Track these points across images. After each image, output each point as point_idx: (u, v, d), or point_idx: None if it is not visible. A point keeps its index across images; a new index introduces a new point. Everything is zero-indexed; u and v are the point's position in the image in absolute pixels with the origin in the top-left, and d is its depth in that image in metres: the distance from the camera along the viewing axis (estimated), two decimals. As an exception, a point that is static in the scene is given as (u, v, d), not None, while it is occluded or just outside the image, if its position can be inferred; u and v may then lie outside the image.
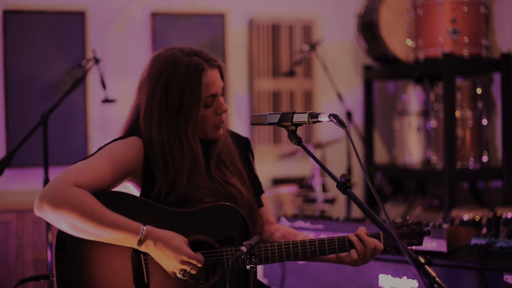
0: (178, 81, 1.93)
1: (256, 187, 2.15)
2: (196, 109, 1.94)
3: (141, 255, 1.86)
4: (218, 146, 2.04)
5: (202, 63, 1.95)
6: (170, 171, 1.94)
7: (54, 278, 1.84)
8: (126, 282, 1.85)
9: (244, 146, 2.17)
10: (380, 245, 1.97)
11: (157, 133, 1.95)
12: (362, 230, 2.00)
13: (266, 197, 2.21)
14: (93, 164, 1.86)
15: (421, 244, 2.03)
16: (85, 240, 1.81)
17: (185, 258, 1.81)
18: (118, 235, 1.78)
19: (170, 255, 1.80)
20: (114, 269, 1.85)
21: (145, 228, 1.80)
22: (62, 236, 1.83)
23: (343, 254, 2.00)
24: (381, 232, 2.00)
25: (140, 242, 1.80)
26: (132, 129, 2.03)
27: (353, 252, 1.96)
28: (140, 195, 1.96)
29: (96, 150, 1.94)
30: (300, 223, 2.95)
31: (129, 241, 1.80)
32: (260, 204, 2.15)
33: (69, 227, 1.78)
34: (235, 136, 2.17)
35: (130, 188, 1.99)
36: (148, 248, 1.81)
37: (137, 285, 1.86)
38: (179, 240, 1.83)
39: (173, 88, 1.93)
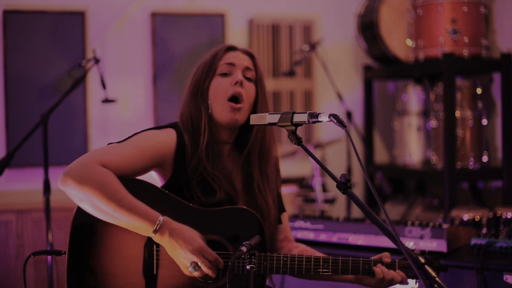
0: (205, 59, 2.08)
1: (279, 205, 2.17)
2: (210, 76, 2.04)
3: (154, 246, 1.87)
4: (254, 137, 2.05)
5: (228, 45, 2.09)
6: (197, 139, 1.99)
7: (66, 255, 1.86)
8: (135, 270, 1.86)
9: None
10: (397, 277, 2.00)
11: (186, 106, 2.05)
12: (386, 257, 2.03)
13: (287, 216, 2.23)
14: (123, 149, 1.89)
15: (431, 264, 2.03)
16: (101, 222, 1.83)
17: (196, 247, 1.81)
18: (136, 221, 1.80)
19: (182, 244, 1.81)
20: (125, 255, 1.87)
21: (162, 218, 1.82)
22: (80, 216, 1.85)
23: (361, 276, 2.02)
24: (397, 261, 2.02)
25: (156, 231, 1.81)
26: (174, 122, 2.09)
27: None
28: (166, 185, 1.98)
29: (130, 135, 1.96)
30: (300, 223, 2.94)
31: (145, 228, 1.81)
32: (279, 221, 2.17)
33: (89, 205, 1.80)
34: None
35: (153, 176, 2.01)
36: (163, 237, 1.82)
37: (145, 274, 1.87)
38: (194, 233, 1.84)
39: (199, 66, 2.08)
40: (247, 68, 2.05)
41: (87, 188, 1.77)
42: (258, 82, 2.07)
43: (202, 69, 2.06)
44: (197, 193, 1.95)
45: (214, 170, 1.98)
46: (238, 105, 2.00)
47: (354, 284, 2.05)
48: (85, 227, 1.86)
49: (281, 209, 2.19)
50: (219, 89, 2.01)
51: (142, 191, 1.87)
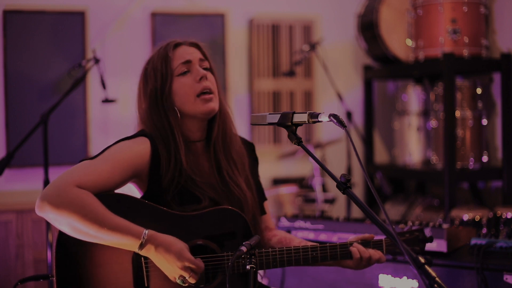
0: (153, 64, 2.02)
1: (260, 194, 2.15)
2: (169, 80, 1.98)
3: (142, 258, 1.85)
4: (217, 126, 2.03)
5: (172, 42, 2.05)
6: (170, 150, 1.95)
7: (54, 279, 1.82)
8: (126, 285, 1.84)
9: (249, 151, 2.17)
10: (375, 254, 1.99)
11: (149, 118, 1.99)
12: (369, 237, 2.03)
13: (267, 204, 2.21)
14: (98, 165, 1.84)
15: (423, 250, 2.03)
16: (85, 242, 1.80)
17: (186, 264, 1.79)
18: (120, 239, 1.77)
19: (170, 260, 1.79)
20: (114, 271, 1.84)
21: (147, 232, 1.79)
22: (63, 237, 1.81)
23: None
24: (383, 239, 2.02)
25: (142, 246, 1.78)
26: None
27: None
28: (145, 196, 1.95)
29: (102, 149, 1.91)
30: (300, 223, 2.95)
31: (130, 244, 1.79)
32: (263, 212, 2.16)
33: (70, 228, 1.76)
34: (242, 141, 2.17)
35: (132, 189, 1.98)
36: (149, 252, 1.80)
37: None
38: (180, 245, 1.81)
39: (150, 72, 2.01)
40: (201, 60, 2.03)
41: (66, 213, 1.73)
42: (212, 70, 2.07)
43: (154, 75, 1.99)
44: (177, 201, 1.92)
45: (194, 178, 1.96)
46: (210, 95, 1.99)
47: (334, 267, 2.05)
48: (69, 249, 1.82)
49: (263, 198, 2.17)
50: (185, 89, 1.98)
51: (122, 206, 1.83)
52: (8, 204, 4.23)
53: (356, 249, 1.97)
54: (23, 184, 4.40)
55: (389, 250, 2.02)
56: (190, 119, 2.00)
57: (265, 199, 2.19)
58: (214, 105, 2.00)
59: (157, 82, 1.99)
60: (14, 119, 4.36)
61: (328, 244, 1.97)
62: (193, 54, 2.03)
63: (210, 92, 1.99)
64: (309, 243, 2.02)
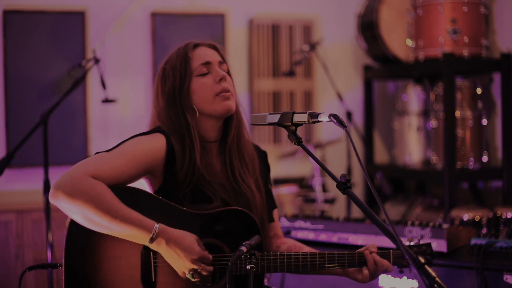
0: (172, 63, 2.03)
1: (270, 202, 2.16)
2: (188, 79, 2.00)
3: (151, 253, 1.86)
4: (233, 127, 2.05)
5: (191, 42, 2.06)
6: (185, 148, 1.96)
7: (63, 268, 1.84)
8: (133, 279, 1.85)
9: (262, 159, 2.18)
10: (390, 266, 1.99)
11: (166, 116, 2.00)
12: (373, 247, 2.01)
13: (277, 212, 2.22)
14: (113, 158, 1.85)
15: (431, 264, 2.03)
16: (96, 233, 1.81)
17: (195, 257, 1.80)
18: (131, 231, 1.78)
19: (181, 253, 1.80)
20: (122, 264, 1.85)
21: (158, 226, 1.79)
22: (74, 228, 1.83)
23: (350, 269, 2.01)
24: (391, 250, 2.01)
25: (152, 240, 1.79)
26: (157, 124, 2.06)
27: (365, 270, 1.99)
28: (158, 192, 1.96)
29: (118, 143, 1.93)
30: (300, 223, 2.95)
31: (141, 237, 1.79)
32: (271, 219, 2.16)
33: (82, 218, 1.78)
34: (254, 147, 2.18)
35: (144, 184, 1.99)
36: (160, 246, 1.80)
37: (144, 282, 1.86)
38: (191, 239, 1.82)
39: (168, 71, 2.03)
40: (220, 62, 2.05)
41: (79, 202, 1.75)
42: (230, 73, 2.09)
43: (173, 74, 2.01)
44: (190, 199, 1.94)
45: (208, 178, 1.97)
46: (228, 94, 2.01)
47: (342, 277, 2.05)
48: (80, 239, 1.84)
49: (273, 205, 2.18)
50: (204, 90, 2.00)
51: (135, 199, 1.85)
52: (8, 204, 4.23)
53: (371, 257, 1.96)
54: (23, 184, 4.40)
55: (396, 262, 2.02)
56: (207, 119, 2.02)
57: (275, 206, 2.19)
58: (232, 104, 2.02)
59: (175, 80, 2.01)
60: (14, 119, 4.36)
61: (336, 252, 1.96)
62: (213, 57, 2.04)
63: (228, 92, 2.01)
64: (318, 252, 2.00)
